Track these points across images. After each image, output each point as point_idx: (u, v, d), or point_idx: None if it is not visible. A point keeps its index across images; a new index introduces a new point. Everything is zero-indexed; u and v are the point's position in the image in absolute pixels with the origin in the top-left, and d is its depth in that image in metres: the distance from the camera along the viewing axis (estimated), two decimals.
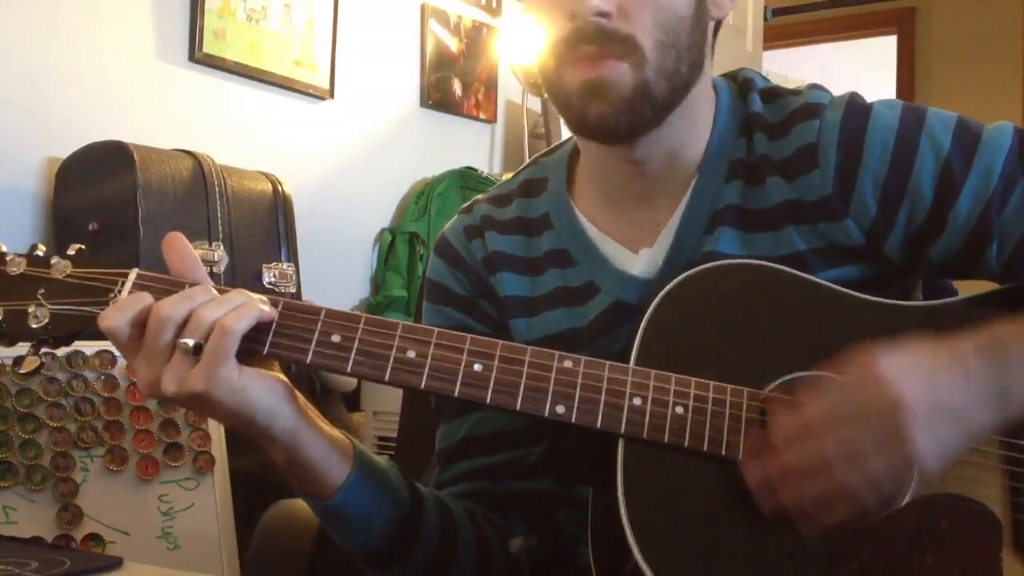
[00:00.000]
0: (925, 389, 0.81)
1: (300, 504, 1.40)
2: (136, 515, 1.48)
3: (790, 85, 1.08)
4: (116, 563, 1.01)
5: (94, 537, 1.43)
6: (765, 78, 1.08)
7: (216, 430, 1.60)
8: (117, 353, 1.53)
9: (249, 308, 0.84)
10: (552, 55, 0.97)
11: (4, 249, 0.91)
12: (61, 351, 1.48)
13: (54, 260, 0.90)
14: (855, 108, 0.99)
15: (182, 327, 0.83)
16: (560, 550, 1.07)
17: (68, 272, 0.89)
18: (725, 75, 1.08)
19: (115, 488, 1.48)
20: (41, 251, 0.91)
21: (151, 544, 1.47)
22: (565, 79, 0.96)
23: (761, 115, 1.03)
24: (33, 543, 1.27)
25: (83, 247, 0.91)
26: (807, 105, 1.01)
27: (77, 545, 1.41)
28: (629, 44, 0.94)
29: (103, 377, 1.52)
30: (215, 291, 0.86)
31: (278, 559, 1.39)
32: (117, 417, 1.51)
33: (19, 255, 0.90)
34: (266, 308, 0.86)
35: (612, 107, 0.95)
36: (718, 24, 1.04)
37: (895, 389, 0.80)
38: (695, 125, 1.03)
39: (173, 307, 0.84)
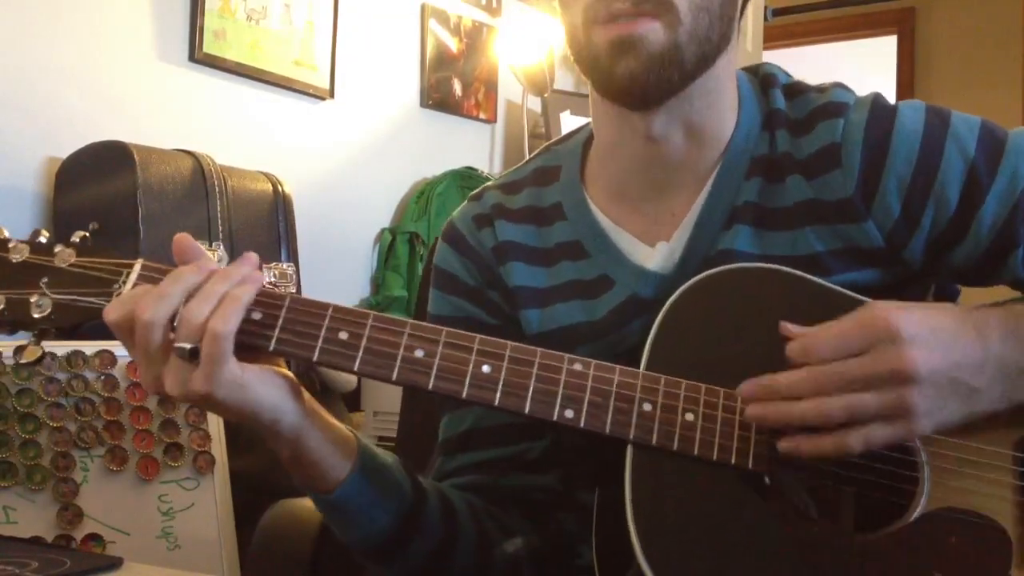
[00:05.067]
0: (942, 358, 0.82)
1: (300, 504, 1.41)
2: (136, 515, 1.48)
3: None
4: (116, 563, 1.01)
5: (94, 537, 1.43)
6: (787, 73, 1.06)
7: (216, 430, 1.60)
8: (117, 353, 1.53)
9: (232, 305, 0.81)
10: (581, 13, 0.94)
11: (7, 235, 0.89)
12: (61, 351, 1.48)
13: (58, 248, 0.88)
14: (880, 109, 0.98)
15: (171, 325, 0.81)
16: (561, 548, 1.06)
17: (72, 261, 0.87)
18: (746, 68, 1.06)
19: (115, 488, 1.47)
20: (44, 237, 0.88)
21: (151, 544, 1.47)
22: (594, 37, 0.93)
23: (784, 112, 1.01)
24: (33, 543, 1.27)
25: (87, 235, 0.89)
26: (831, 103, 1.00)
27: (77, 545, 1.41)
28: (664, 3, 0.91)
29: (103, 377, 1.51)
30: (204, 270, 0.83)
31: (278, 559, 1.38)
32: (117, 417, 1.50)
33: (22, 242, 0.88)
34: (250, 296, 0.83)
35: (641, 64, 0.92)
36: (745, 3, 1.03)
37: (909, 351, 0.81)
38: (717, 106, 1.00)
39: (154, 311, 0.81)
